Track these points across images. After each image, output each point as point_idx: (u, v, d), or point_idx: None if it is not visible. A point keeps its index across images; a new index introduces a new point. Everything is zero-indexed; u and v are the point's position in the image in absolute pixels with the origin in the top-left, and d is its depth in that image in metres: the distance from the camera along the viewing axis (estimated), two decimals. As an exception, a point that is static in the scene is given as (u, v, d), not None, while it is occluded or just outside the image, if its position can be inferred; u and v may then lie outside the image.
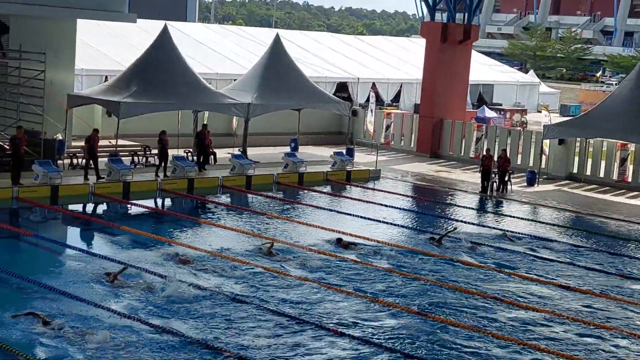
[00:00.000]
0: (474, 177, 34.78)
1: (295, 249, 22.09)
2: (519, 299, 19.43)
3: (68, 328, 15.58)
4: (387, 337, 16.52)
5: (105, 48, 40.71)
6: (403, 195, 31.75)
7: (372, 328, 16.89)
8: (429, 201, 30.77)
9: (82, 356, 14.60)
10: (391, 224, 26.20)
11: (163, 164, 29.63)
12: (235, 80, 38.15)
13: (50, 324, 15.59)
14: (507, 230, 25.99)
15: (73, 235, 24.28)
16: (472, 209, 30.20)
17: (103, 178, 27.97)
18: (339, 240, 23.13)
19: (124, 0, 34.30)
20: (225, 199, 29.58)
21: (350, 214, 27.20)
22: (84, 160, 30.19)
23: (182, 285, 18.08)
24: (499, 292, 19.74)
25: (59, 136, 30.08)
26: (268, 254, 21.34)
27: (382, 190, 31.92)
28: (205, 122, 32.75)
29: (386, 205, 28.99)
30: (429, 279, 20.37)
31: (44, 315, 15.90)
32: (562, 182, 35.60)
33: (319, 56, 50.39)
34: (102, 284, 18.28)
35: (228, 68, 43.86)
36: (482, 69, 59.38)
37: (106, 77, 36.79)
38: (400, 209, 29.09)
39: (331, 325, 16.78)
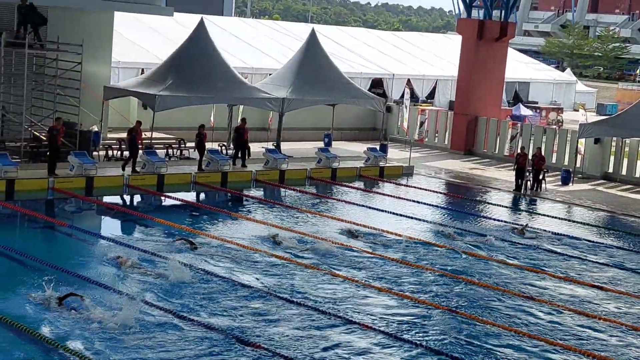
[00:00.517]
0: (508, 175, 34.60)
1: (324, 244, 22.10)
2: (551, 298, 19.31)
3: (87, 310, 15.90)
4: (416, 333, 16.51)
5: (142, 41, 41.01)
6: (436, 192, 31.65)
7: (402, 324, 16.88)
8: (462, 198, 30.66)
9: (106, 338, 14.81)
10: (423, 220, 26.12)
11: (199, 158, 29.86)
12: (270, 74, 38.25)
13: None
14: (527, 226, 25.95)
15: (106, 226, 24.48)
16: (505, 207, 30.05)
17: (138, 172, 28.19)
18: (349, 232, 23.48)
19: (161, -6, 34.61)
20: (258, 192, 29.69)
21: (382, 210, 27.18)
22: (119, 152, 30.54)
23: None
24: (530, 291, 19.64)
25: (95, 128, 30.36)
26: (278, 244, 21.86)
27: (415, 187, 31.87)
28: (243, 117, 32.76)
29: (418, 202, 28.93)
30: (460, 277, 20.32)
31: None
32: (597, 182, 35.30)
33: (355, 52, 50.34)
34: (129, 273, 18.47)
35: (263, 62, 43.98)
36: (519, 66, 58.99)
37: (142, 70, 37.07)
38: (432, 205, 29.02)
39: (360, 320, 16.81)
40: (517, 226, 25.93)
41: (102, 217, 25.75)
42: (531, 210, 29.86)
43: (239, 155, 31.36)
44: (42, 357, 14.23)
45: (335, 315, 16.92)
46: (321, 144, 36.43)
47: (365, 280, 19.37)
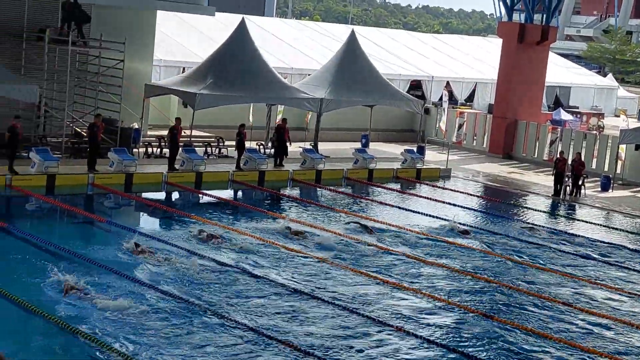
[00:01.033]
0: (546, 180, 34.38)
1: (356, 244, 22.17)
2: (587, 304, 19.19)
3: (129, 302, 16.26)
4: (449, 336, 16.51)
5: (184, 40, 41.34)
6: (473, 195, 31.55)
7: (434, 326, 16.89)
8: (499, 202, 30.50)
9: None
10: (458, 223, 26.02)
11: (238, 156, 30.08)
12: (309, 75, 38.39)
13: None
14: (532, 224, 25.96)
15: (143, 222, 24.70)
16: (543, 211, 29.87)
17: (177, 169, 28.44)
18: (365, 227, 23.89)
19: (203, -6, 34.88)
20: (294, 192, 29.82)
21: (417, 212, 27.14)
22: (158, 149, 30.84)
23: None
24: (566, 297, 19.53)
25: (135, 125, 30.68)
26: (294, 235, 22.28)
27: (451, 190, 31.79)
28: (284, 117, 32.88)
29: (455, 204, 28.87)
30: (494, 280, 20.27)
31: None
32: (638, 189, 34.91)
33: (394, 53, 50.29)
34: (164, 268, 18.69)
35: (303, 63, 44.12)
36: (560, 70, 58.53)
37: (184, 69, 37.38)
38: (468, 208, 28.93)
39: (391, 321, 16.84)
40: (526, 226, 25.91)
41: (140, 213, 25.96)
42: (569, 216, 29.65)
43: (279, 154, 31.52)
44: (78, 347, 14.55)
45: (367, 316, 16.97)
46: (358, 145, 36.47)
47: (398, 281, 19.39)
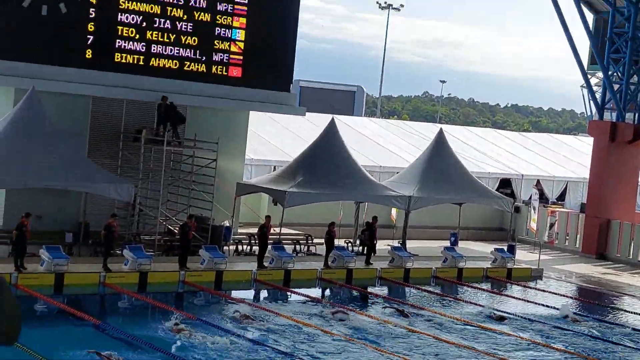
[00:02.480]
0: (642, 281, 33.48)
1: (443, 345, 21.82)
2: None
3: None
4: None
5: (275, 139, 42.18)
6: (566, 296, 30.77)
7: None
8: (594, 304, 29.65)
9: None
10: (549, 324, 25.38)
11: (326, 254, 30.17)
12: (397, 172, 38.59)
13: None
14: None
15: (230, 320, 24.75)
16: (640, 314, 28.97)
17: (265, 267, 28.65)
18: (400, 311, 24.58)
19: (295, 95, 35.76)
20: (381, 290, 29.62)
21: (507, 313, 26.59)
22: (248, 247, 31.18)
23: None
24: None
25: (227, 223, 31.15)
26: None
27: (543, 290, 31.10)
28: (375, 215, 33.00)
29: (547, 306, 28.21)
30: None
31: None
32: None
33: (482, 151, 50.23)
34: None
35: (391, 161, 44.37)
36: (654, 169, 57.31)
37: (274, 167, 38.04)
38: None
39: None
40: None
41: (228, 311, 26.00)
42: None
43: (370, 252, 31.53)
44: None
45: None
46: (447, 243, 36.21)
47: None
